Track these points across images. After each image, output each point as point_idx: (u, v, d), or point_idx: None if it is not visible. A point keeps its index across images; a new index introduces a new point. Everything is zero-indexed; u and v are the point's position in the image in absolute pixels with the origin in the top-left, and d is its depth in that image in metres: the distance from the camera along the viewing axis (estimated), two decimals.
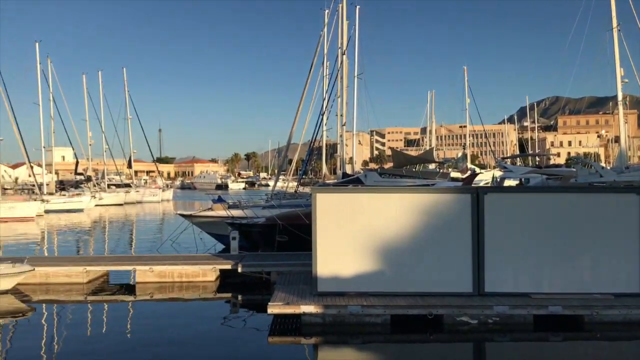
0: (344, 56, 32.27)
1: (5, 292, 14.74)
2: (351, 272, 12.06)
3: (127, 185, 66.26)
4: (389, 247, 12.08)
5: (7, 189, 54.44)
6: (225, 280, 16.24)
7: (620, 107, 32.67)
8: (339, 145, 34.48)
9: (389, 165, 73.96)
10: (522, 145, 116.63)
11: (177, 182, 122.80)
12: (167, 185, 77.47)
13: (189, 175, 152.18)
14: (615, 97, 33.66)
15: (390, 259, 12.10)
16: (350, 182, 20.10)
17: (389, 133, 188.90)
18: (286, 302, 11.54)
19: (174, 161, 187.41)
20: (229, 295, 15.50)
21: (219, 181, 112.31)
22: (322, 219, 12.08)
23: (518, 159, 62.14)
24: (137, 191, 63.98)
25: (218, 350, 10.67)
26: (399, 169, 28.91)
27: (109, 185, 64.65)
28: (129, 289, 15.82)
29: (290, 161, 54.56)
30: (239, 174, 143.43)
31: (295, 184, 38.32)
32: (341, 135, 33.59)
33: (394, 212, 12.06)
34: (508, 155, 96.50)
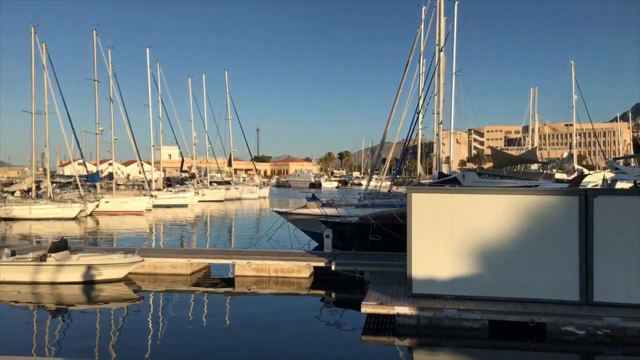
0: (442, 53, 31.50)
1: (118, 280, 15.93)
2: (447, 275, 11.74)
3: (227, 183, 69.14)
4: (488, 250, 11.61)
5: (120, 184, 58.79)
6: (319, 277, 16.46)
7: None
8: (435, 144, 33.72)
9: (487, 165, 71.23)
10: (637, 144, 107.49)
11: (273, 180, 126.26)
12: (264, 183, 79.88)
13: (284, 173, 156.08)
14: None
15: (489, 262, 11.63)
16: (447, 182, 19.57)
17: (488, 132, 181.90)
18: (380, 302, 11.47)
19: (270, 160, 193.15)
20: (322, 292, 15.69)
21: (313, 180, 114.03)
22: (417, 219, 11.87)
23: (632, 159, 57.33)
24: (236, 188, 66.58)
25: (313, 345, 10.84)
26: (499, 169, 27.73)
27: (210, 183, 67.83)
28: (229, 281, 16.50)
29: (383, 160, 54.20)
30: (332, 173, 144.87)
31: (389, 183, 38.00)
32: (437, 134, 32.83)
33: (494, 214, 11.58)
34: (621, 155, 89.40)
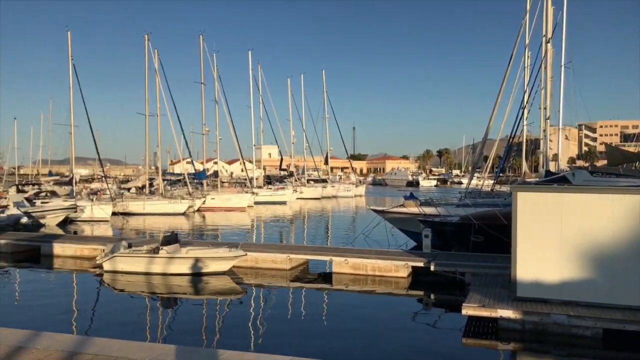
0: (549, 44, 29.70)
1: (223, 273, 16.69)
2: (555, 278, 11.05)
3: (324, 181, 70.12)
4: (602, 253, 10.78)
5: (224, 182, 61.53)
6: (417, 277, 16.18)
7: None
8: (541, 141, 31.86)
9: (601, 163, 66.24)
10: None
11: (369, 179, 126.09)
12: (360, 181, 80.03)
13: (380, 171, 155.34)
14: None
15: (602, 266, 10.80)
16: (555, 180, 18.40)
17: (601, 127, 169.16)
18: (482, 304, 11.05)
19: (366, 158, 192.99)
20: (420, 292, 15.43)
21: (410, 178, 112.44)
22: (523, 219, 11.29)
23: None
24: (333, 186, 67.31)
25: (412, 345, 10.69)
26: (615, 167, 25.61)
27: (308, 180, 69.13)
28: (326, 277, 16.72)
29: (485, 158, 52.24)
30: (431, 171, 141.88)
31: (491, 182, 36.53)
32: (544, 130, 31.00)
33: (610, 215, 10.72)
34: None
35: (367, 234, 23.11)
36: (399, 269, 16.22)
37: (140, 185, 46.65)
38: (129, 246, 17.63)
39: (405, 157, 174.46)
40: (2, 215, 28.01)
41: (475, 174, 45.55)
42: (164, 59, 43.76)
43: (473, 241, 17.85)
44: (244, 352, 6.71)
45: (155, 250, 16.67)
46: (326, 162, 77.10)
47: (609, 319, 10.05)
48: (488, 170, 49.05)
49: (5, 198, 33.56)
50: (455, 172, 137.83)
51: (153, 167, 52.26)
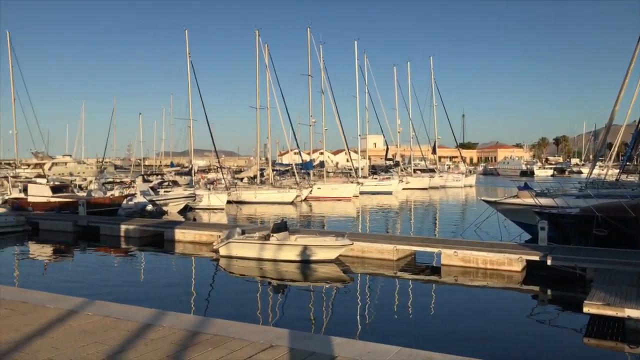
0: None
1: (330, 261, 16.96)
2: None
3: (431, 170, 68.64)
4: None
5: (329, 172, 62.42)
6: (532, 271, 15.34)
7: None
8: None
9: None
10: None
11: (480, 168, 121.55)
12: (470, 171, 77.35)
13: (491, 160, 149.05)
14: None
15: None
16: None
17: None
18: (606, 302, 10.23)
19: (476, 147, 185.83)
20: (535, 288, 14.62)
21: (524, 167, 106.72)
22: None
23: None
24: (441, 176, 65.69)
25: (528, 343, 10.17)
26: None
27: (414, 170, 68.09)
28: (434, 270, 16.39)
29: (609, 145, 48.09)
30: (547, 160, 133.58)
31: (616, 171, 33.61)
32: None
33: None
34: None
35: (478, 225, 22.29)
36: (512, 262, 15.47)
37: (252, 175, 48.77)
38: (243, 233, 18.48)
39: (518, 146, 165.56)
40: (130, 203, 30.57)
41: (598, 163, 42.19)
42: (272, 53, 44.94)
43: (595, 234, 16.56)
44: (355, 340, 6.78)
45: (266, 237, 17.32)
46: (434, 151, 75.30)
47: None
48: (612, 158, 45.18)
49: (133, 187, 36.57)
50: (574, 160, 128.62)
51: (263, 158, 54.30)
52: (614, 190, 24.00)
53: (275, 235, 17.19)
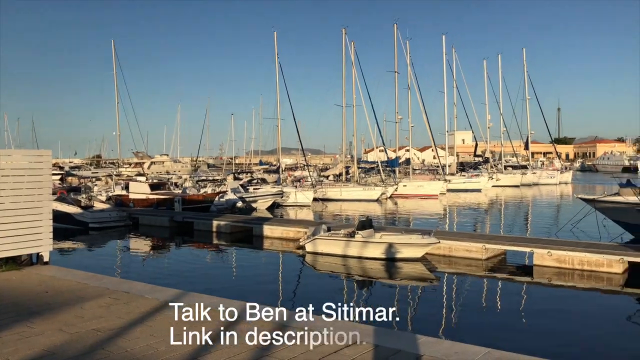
0: None
1: (416, 259, 16.79)
2: None
3: (524, 167, 65.65)
4: None
5: (415, 169, 61.51)
6: (635, 274, 14.33)
7: None
8: None
9: None
10: None
11: (577, 164, 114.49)
12: (565, 167, 73.05)
13: (589, 156, 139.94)
14: None
15: None
16: None
17: None
18: None
19: (573, 142, 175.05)
20: (639, 291, 13.64)
21: (627, 163, 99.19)
22: None
23: None
24: (534, 173, 62.68)
25: (631, 351, 9.54)
26: None
27: (505, 167, 65.45)
28: (526, 270, 15.75)
29: None
30: None
31: None
32: None
33: None
34: None
35: (575, 224, 21.09)
36: (613, 263, 14.53)
37: (337, 173, 49.17)
38: (328, 229, 18.74)
39: (620, 140, 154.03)
40: (222, 199, 31.95)
41: None
42: (357, 50, 45.02)
43: None
44: (441, 340, 6.73)
45: (352, 234, 17.45)
46: (526, 147, 71.91)
47: None
48: None
49: (224, 185, 38.13)
50: None
51: (349, 156, 54.56)
52: None
53: (360, 232, 17.27)
